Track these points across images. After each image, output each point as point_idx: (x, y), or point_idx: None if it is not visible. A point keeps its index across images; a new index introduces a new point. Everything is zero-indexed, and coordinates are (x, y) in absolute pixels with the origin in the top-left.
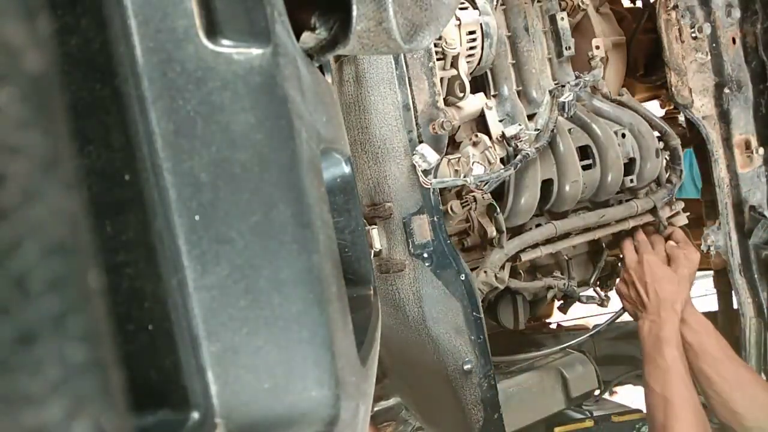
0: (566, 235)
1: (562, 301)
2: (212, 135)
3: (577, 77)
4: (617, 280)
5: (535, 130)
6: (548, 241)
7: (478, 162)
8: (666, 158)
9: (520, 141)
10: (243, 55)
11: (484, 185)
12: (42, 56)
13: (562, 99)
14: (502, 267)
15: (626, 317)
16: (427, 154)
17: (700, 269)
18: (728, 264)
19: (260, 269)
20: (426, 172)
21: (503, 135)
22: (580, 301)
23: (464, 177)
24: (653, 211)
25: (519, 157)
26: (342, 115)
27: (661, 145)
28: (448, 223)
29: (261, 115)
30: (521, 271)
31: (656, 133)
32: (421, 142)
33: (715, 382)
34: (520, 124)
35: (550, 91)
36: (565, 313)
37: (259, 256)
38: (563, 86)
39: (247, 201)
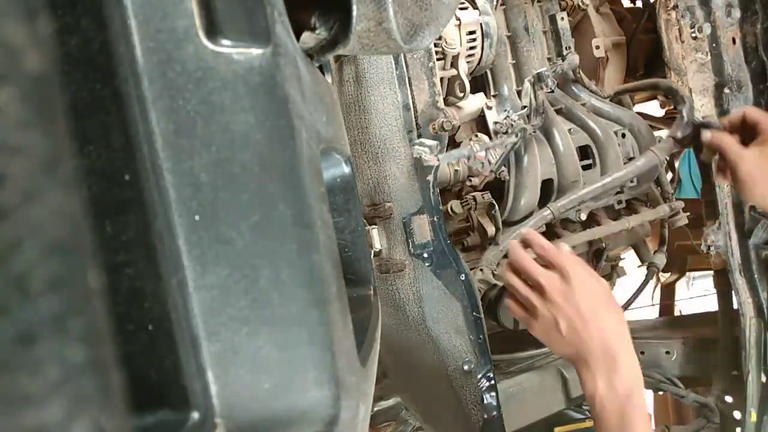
0: (565, 235)
1: None
2: (212, 135)
3: (552, 63)
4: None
5: (522, 107)
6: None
7: (478, 143)
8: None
9: (513, 121)
10: (243, 55)
11: (495, 164)
12: (42, 56)
13: (539, 71)
14: (499, 263)
15: (626, 316)
16: (426, 141)
17: (699, 269)
18: (728, 264)
19: (260, 269)
20: (432, 152)
21: (496, 124)
22: None
23: (472, 143)
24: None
25: (518, 129)
26: (342, 115)
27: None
28: (448, 223)
29: (261, 115)
30: None
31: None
32: None
33: None
34: (506, 110)
35: (528, 80)
36: None
37: (259, 256)
38: (539, 74)
39: (247, 201)
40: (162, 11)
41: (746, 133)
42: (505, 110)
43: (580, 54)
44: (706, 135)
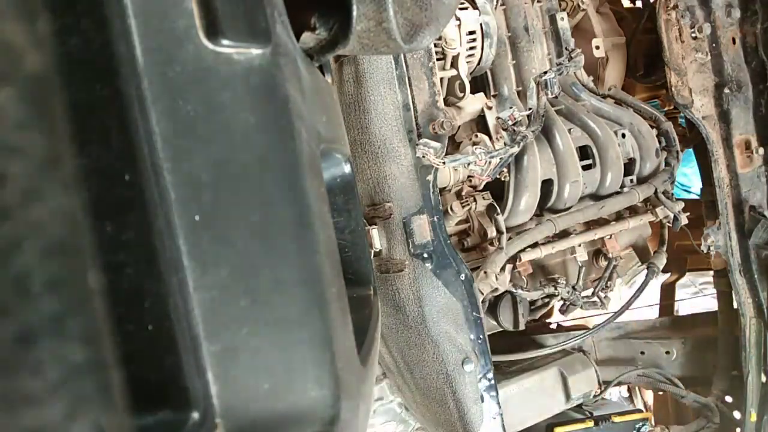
0: (566, 235)
1: (562, 302)
2: (212, 135)
3: (558, 64)
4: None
5: (528, 109)
6: (548, 241)
7: (479, 147)
8: (661, 143)
9: (517, 121)
10: (243, 55)
11: (493, 169)
12: (42, 56)
13: (543, 78)
14: (503, 268)
15: (626, 317)
16: (431, 142)
17: (700, 269)
18: (728, 264)
19: (260, 269)
20: (437, 154)
21: (499, 119)
22: (581, 308)
23: (474, 149)
24: (654, 199)
25: (519, 137)
26: (342, 115)
27: (654, 131)
28: (448, 223)
29: (261, 115)
30: (524, 277)
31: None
32: None
33: None
34: (511, 106)
35: (534, 79)
36: (565, 315)
37: (259, 256)
38: (545, 72)
39: (247, 201)
40: (162, 11)
41: None
42: (510, 107)
43: None
44: None
